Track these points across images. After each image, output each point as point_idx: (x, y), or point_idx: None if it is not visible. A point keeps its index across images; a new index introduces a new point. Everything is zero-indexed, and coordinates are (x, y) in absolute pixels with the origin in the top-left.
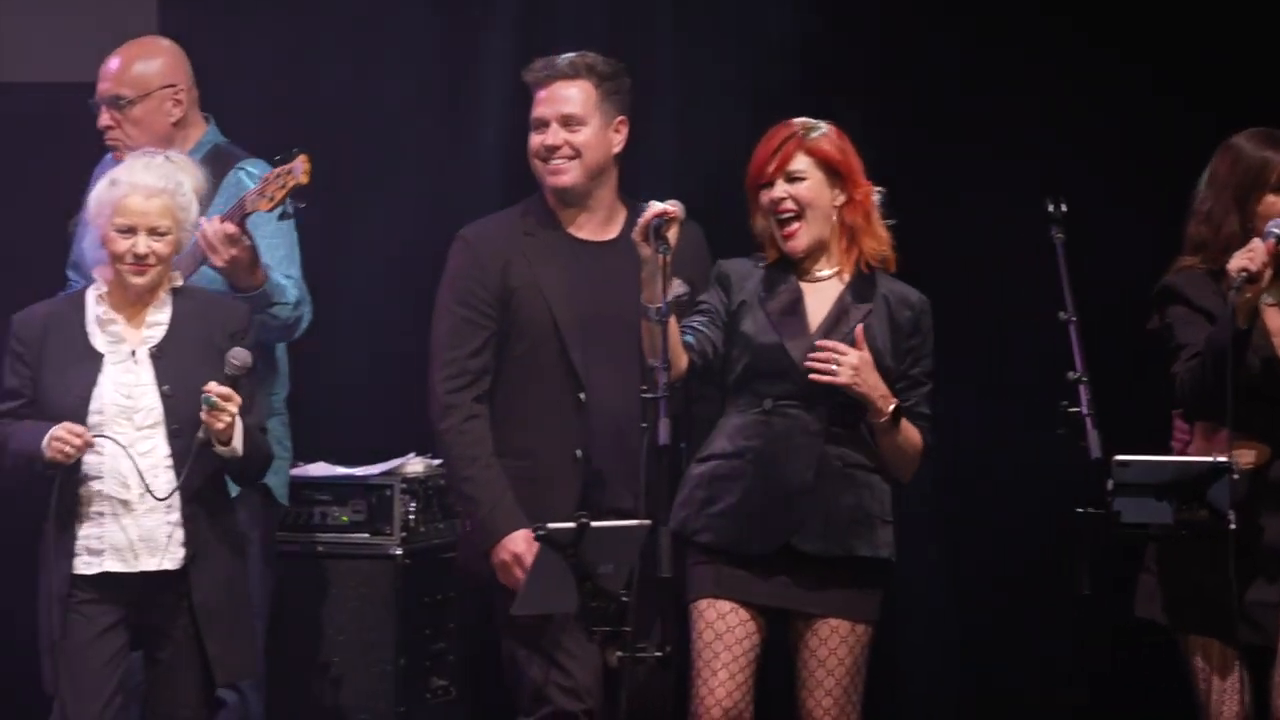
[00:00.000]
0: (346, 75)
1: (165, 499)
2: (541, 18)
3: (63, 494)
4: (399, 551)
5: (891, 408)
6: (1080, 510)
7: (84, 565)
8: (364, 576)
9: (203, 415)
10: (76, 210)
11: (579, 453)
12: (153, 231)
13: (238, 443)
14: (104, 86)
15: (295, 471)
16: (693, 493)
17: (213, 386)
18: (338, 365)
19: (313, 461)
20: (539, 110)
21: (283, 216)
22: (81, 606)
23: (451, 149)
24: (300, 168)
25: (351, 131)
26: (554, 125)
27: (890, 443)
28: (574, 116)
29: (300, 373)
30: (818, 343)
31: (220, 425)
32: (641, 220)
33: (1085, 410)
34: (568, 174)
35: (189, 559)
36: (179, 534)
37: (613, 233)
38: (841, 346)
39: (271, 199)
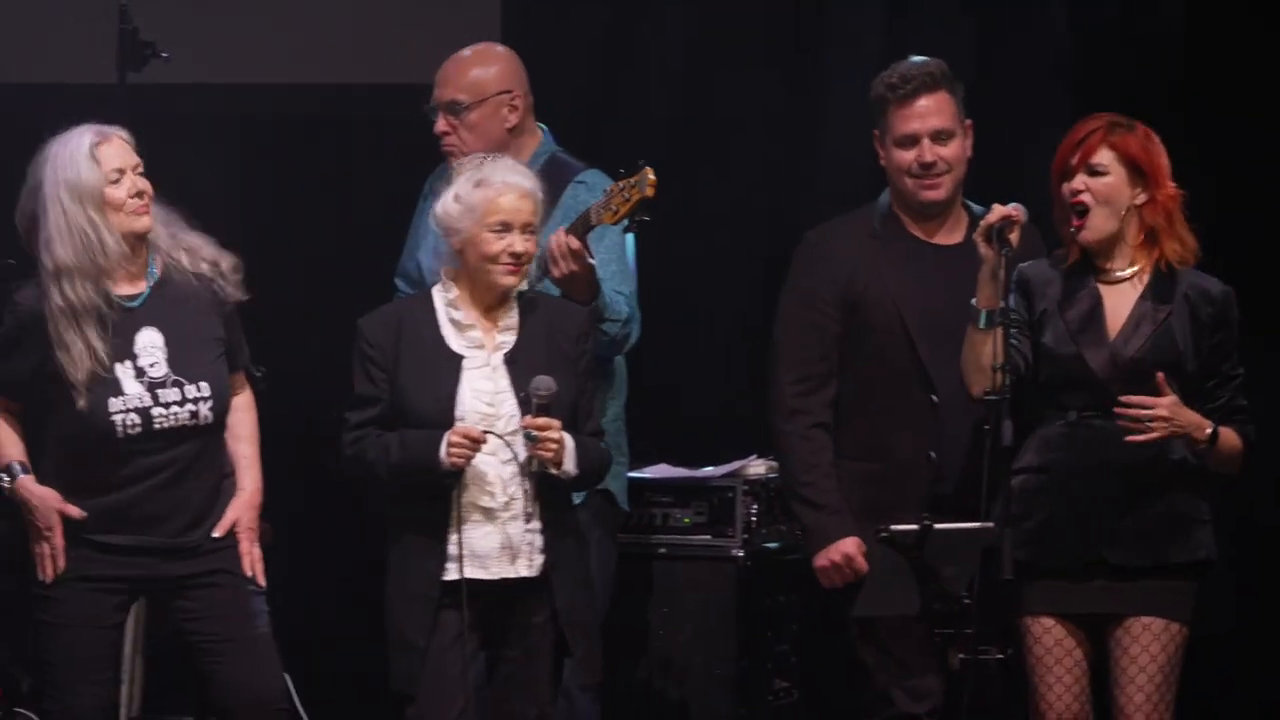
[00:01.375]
0: (681, 82)
1: (530, 524)
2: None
3: (434, 499)
4: (741, 553)
5: (1208, 432)
6: None
7: (445, 571)
8: (705, 578)
9: (527, 449)
10: (409, 214)
11: (932, 454)
12: (525, 229)
13: (570, 465)
14: (441, 92)
15: (638, 473)
16: None
17: (527, 420)
18: (680, 367)
19: (655, 463)
20: (909, 126)
21: (627, 229)
22: (441, 610)
23: (787, 151)
24: (646, 181)
25: (687, 138)
26: (926, 141)
27: (1212, 459)
28: (945, 130)
29: (642, 375)
30: (1117, 409)
31: (549, 454)
32: (985, 222)
33: None
34: (942, 188)
35: (549, 566)
36: (538, 541)
37: (957, 237)
38: (1147, 400)
39: (615, 212)
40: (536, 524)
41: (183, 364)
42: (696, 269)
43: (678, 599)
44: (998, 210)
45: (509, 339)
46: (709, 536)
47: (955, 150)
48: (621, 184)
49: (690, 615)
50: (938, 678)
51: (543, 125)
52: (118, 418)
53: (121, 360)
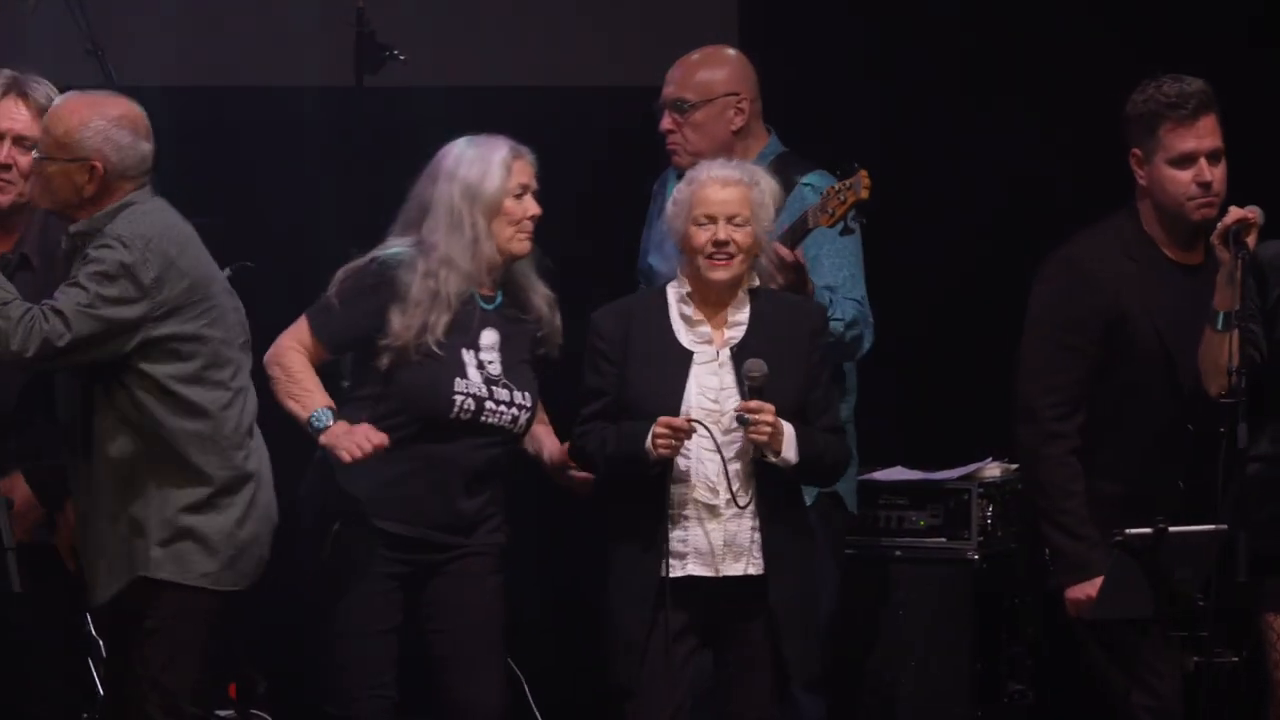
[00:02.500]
0: (911, 89)
1: (745, 505)
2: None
3: (654, 496)
4: (976, 556)
5: None
6: None
7: (668, 569)
8: (940, 580)
9: (744, 435)
10: (640, 215)
11: (1180, 483)
12: (731, 219)
13: (789, 452)
14: (668, 90)
15: (873, 475)
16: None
17: (740, 404)
18: (915, 370)
19: (890, 466)
20: (1187, 144)
21: (843, 232)
22: (661, 608)
23: (1020, 152)
24: (861, 183)
25: (920, 142)
26: (1203, 162)
27: None
28: (1219, 150)
29: (879, 377)
30: None
31: (762, 438)
32: (1222, 224)
33: None
34: (1214, 209)
35: (769, 563)
36: (758, 538)
37: (1199, 256)
38: None
39: (832, 214)
40: (758, 520)
41: (513, 372)
42: (929, 272)
43: (913, 601)
44: (1234, 212)
45: (737, 334)
46: (944, 539)
47: (1223, 171)
48: (837, 186)
49: (925, 617)
50: (1181, 695)
51: (769, 127)
52: (458, 398)
53: (467, 349)
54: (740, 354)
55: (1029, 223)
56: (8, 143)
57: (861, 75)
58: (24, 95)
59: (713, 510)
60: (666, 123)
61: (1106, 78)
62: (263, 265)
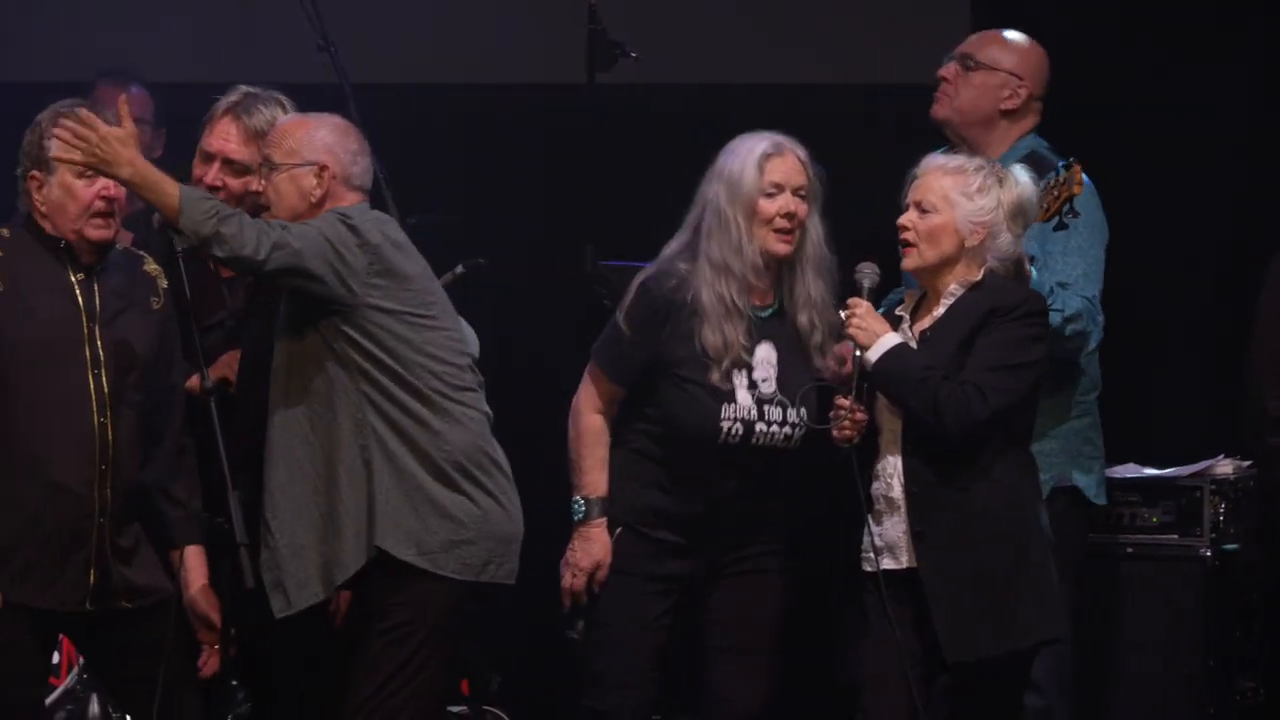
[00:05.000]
0: (1147, 74)
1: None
2: None
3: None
4: (1208, 553)
5: None
6: None
7: (866, 564)
8: (1172, 577)
9: (845, 323)
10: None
11: None
12: (917, 206)
13: (873, 354)
14: (963, 46)
15: (1105, 472)
16: None
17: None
18: (1150, 366)
19: (1123, 462)
20: None
21: (1057, 228)
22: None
23: (1251, 141)
24: (1074, 179)
25: (1151, 132)
26: None
27: None
28: None
29: (1111, 373)
30: None
31: (850, 329)
32: None
33: None
34: None
35: (918, 541)
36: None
37: None
38: None
39: (1046, 209)
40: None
41: (790, 386)
42: (1169, 264)
43: (1145, 598)
44: None
45: (929, 325)
46: (1176, 536)
47: None
48: (1052, 182)
49: (1157, 614)
50: None
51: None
52: (725, 424)
53: (738, 369)
54: (923, 340)
55: (1265, 212)
56: (217, 165)
57: (1091, 71)
58: (239, 118)
59: (890, 503)
60: (946, 70)
61: None
62: (496, 262)
